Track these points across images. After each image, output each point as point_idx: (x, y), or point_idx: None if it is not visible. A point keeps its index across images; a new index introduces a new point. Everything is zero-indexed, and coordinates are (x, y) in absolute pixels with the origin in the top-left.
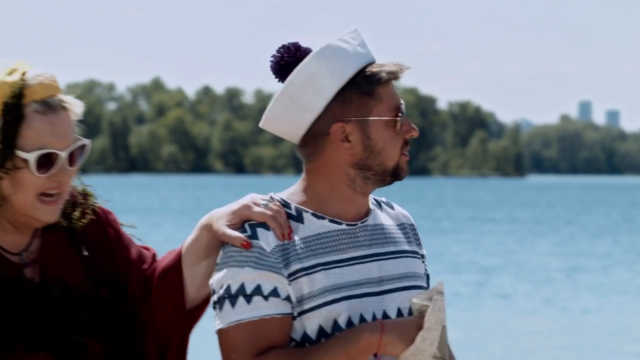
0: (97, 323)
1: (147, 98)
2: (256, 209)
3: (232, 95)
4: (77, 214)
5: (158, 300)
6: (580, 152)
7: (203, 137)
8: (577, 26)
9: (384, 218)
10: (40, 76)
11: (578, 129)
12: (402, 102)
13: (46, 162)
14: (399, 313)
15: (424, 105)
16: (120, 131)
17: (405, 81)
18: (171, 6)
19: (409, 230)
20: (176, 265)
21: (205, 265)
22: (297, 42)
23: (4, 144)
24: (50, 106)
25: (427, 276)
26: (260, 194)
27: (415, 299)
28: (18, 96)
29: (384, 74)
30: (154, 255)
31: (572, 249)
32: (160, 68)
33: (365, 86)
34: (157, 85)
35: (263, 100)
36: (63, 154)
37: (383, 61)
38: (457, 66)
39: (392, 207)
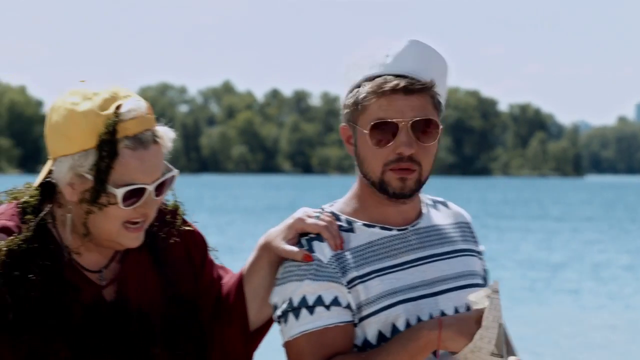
0: (171, 346)
1: (217, 101)
2: (309, 220)
3: (300, 97)
4: (162, 234)
5: (224, 322)
6: (637, 152)
7: (272, 139)
8: (635, 29)
9: (439, 218)
10: (134, 111)
11: (635, 130)
12: (384, 119)
13: (133, 195)
14: (456, 312)
15: (485, 108)
16: (192, 133)
17: (467, 84)
18: (241, 12)
19: (465, 229)
20: (239, 287)
21: (266, 285)
22: None
23: (98, 180)
24: (142, 142)
25: (486, 272)
26: (327, 200)
27: (472, 296)
28: (112, 132)
29: (367, 87)
30: (231, 276)
31: (634, 247)
32: (230, 72)
33: (360, 95)
34: (227, 88)
35: (329, 102)
36: (150, 188)
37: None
38: (518, 70)
39: (447, 207)
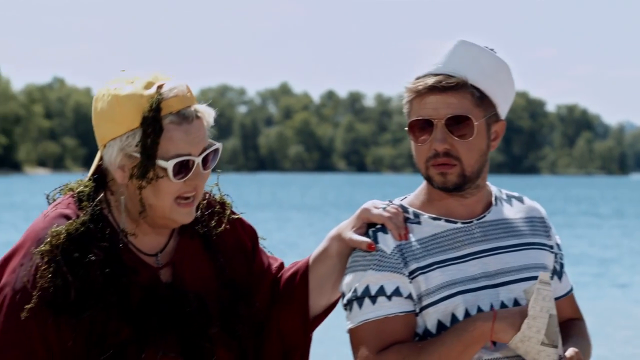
0: (227, 328)
1: (275, 102)
2: (375, 211)
3: (354, 99)
4: (213, 222)
5: (284, 307)
6: None
7: (327, 138)
8: None
9: (510, 212)
10: (175, 89)
11: None
12: (420, 117)
13: (182, 168)
14: (516, 303)
15: (533, 108)
16: (250, 133)
17: (516, 86)
18: (298, 17)
19: (537, 223)
20: (303, 274)
21: (331, 274)
22: None
23: (145, 156)
24: (185, 117)
25: (561, 265)
26: (380, 198)
27: (526, 288)
28: (156, 110)
29: (408, 87)
30: (281, 265)
31: None
32: (287, 74)
33: (404, 96)
34: (284, 89)
35: (383, 103)
36: (197, 159)
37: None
38: (566, 72)
39: (522, 202)
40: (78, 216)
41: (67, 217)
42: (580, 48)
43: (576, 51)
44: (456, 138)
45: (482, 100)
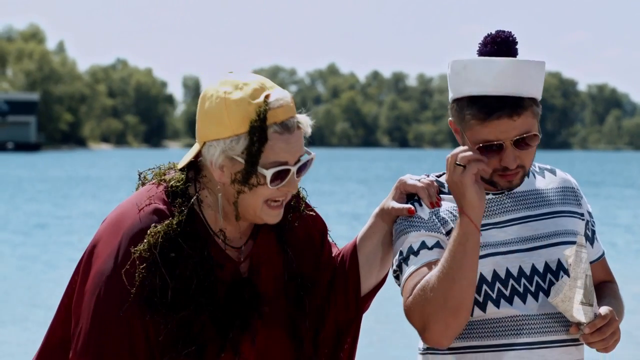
0: (282, 320)
1: (323, 82)
2: (410, 181)
3: (398, 78)
4: (289, 216)
5: (337, 288)
6: None
7: (372, 116)
8: None
9: (541, 184)
10: (281, 100)
11: None
12: (488, 142)
13: (279, 176)
14: (546, 266)
15: (565, 87)
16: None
17: (550, 66)
18: (344, 0)
19: (568, 192)
20: (352, 254)
21: (378, 251)
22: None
23: (249, 162)
24: (288, 127)
25: (593, 232)
26: (422, 172)
27: (567, 251)
28: (263, 119)
29: (473, 110)
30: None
31: None
32: (335, 55)
33: (466, 114)
34: (332, 70)
35: (424, 83)
36: (293, 169)
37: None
38: (597, 54)
39: (554, 174)
40: (171, 213)
41: (162, 214)
42: (611, 31)
43: (607, 34)
44: (523, 153)
45: (538, 107)
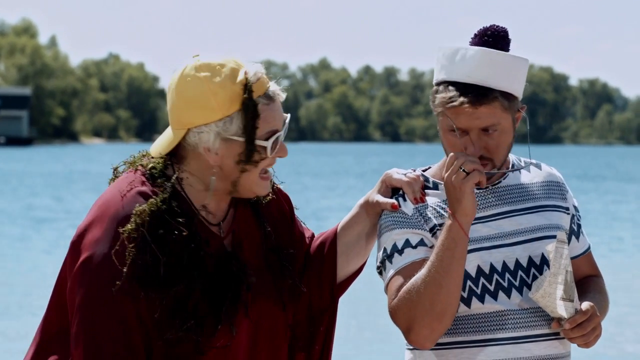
0: (270, 290)
1: (315, 76)
2: (396, 176)
3: (390, 73)
4: None
5: (313, 273)
6: None
7: (364, 110)
8: None
9: (527, 178)
10: (258, 73)
11: None
12: (453, 129)
13: (275, 144)
14: (530, 260)
15: (557, 82)
16: (291, 105)
17: (541, 61)
18: None
19: (553, 186)
20: (332, 241)
21: (358, 240)
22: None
23: (248, 140)
24: (271, 97)
25: (579, 225)
26: (413, 166)
27: (549, 246)
28: (250, 95)
29: (440, 96)
30: (312, 235)
31: None
32: (327, 50)
33: (436, 100)
34: (324, 65)
35: (416, 77)
36: (281, 132)
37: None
38: (588, 48)
39: (540, 168)
40: (155, 193)
41: (145, 195)
42: (603, 26)
43: (599, 29)
44: (489, 142)
45: (509, 102)
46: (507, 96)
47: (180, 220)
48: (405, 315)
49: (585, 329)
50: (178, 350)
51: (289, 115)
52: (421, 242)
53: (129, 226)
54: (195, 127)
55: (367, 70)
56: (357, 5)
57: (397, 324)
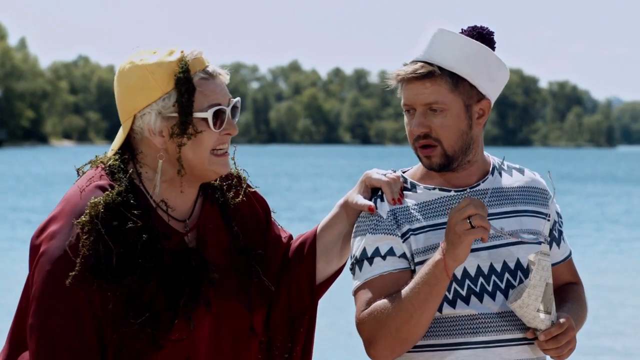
0: (234, 289)
1: (285, 78)
2: (375, 176)
3: (360, 75)
4: (231, 194)
5: (292, 275)
6: None
7: (334, 113)
8: None
9: (507, 182)
10: (195, 51)
11: None
12: (404, 104)
13: (218, 118)
14: (505, 265)
15: (527, 84)
16: (262, 107)
17: (511, 63)
18: None
19: (535, 192)
20: (312, 243)
21: (337, 241)
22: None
23: (183, 112)
24: (211, 73)
25: (560, 232)
26: (383, 168)
27: (532, 256)
28: (185, 70)
29: (394, 75)
30: (290, 237)
31: None
32: (297, 52)
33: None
34: (294, 67)
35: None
36: (227, 109)
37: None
38: (558, 51)
39: (522, 173)
40: (113, 187)
41: (103, 189)
42: (574, 28)
43: (569, 31)
44: (433, 122)
45: (457, 84)
46: (455, 77)
47: (136, 212)
48: (370, 331)
49: (559, 342)
50: (135, 345)
51: (238, 99)
52: (390, 252)
53: (83, 218)
54: (139, 111)
55: (337, 72)
56: (327, 7)
57: (360, 335)
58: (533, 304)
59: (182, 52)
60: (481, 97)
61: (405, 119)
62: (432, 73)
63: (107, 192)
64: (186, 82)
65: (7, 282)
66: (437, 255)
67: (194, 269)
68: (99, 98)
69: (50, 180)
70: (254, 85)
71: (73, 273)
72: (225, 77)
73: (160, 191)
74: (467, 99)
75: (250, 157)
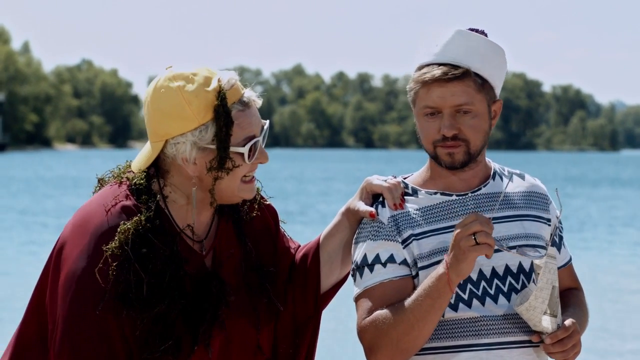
0: (245, 307)
1: (289, 82)
2: (376, 182)
3: (363, 79)
4: (245, 208)
5: (296, 285)
6: None
7: (337, 117)
8: None
9: (509, 187)
10: (232, 80)
11: None
12: (428, 107)
13: (252, 150)
14: (507, 269)
15: (530, 88)
16: (265, 111)
17: (515, 67)
18: (310, 1)
19: (536, 197)
20: (315, 252)
21: (340, 249)
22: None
23: (221, 147)
24: (246, 103)
25: (561, 237)
26: (389, 172)
27: (538, 261)
28: (224, 103)
29: (414, 76)
30: (298, 247)
31: None
32: (301, 56)
33: (410, 82)
34: (298, 71)
35: (390, 84)
36: (259, 138)
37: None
38: (561, 54)
39: (523, 179)
40: (139, 209)
41: (129, 211)
42: (576, 32)
43: (572, 35)
44: (463, 122)
45: (483, 85)
46: (481, 78)
47: (164, 238)
48: (371, 340)
49: (565, 345)
50: None
51: (267, 122)
52: (391, 259)
53: (112, 244)
54: (172, 138)
55: (341, 76)
56: (330, 11)
57: (361, 342)
58: (540, 307)
59: (219, 81)
60: (495, 98)
61: (424, 121)
62: (465, 75)
63: (135, 219)
64: (225, 115)
65: (25, 286)
66: (440, 269)
67: (214, 295)
68: (103, 102)
69: (60, 184)
70: (258, 89)
71: (103, 300)
72: (258, 103)
73: (188, 216)
74: (488, 100)
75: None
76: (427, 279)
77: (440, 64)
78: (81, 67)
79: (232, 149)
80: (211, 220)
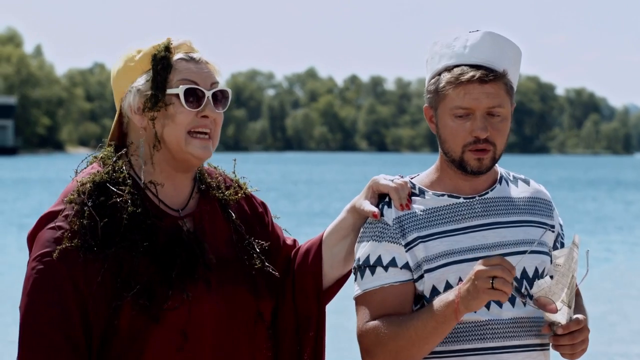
0: (240, 276)
1: (302, 85)
2: (383, 181)
3: (376, 82)
4: (230, 192)
5: (298, 280)
6: None
7: (350, 120)
8: None
9: (514, 192)
10: (183, 40)
11: None
12: (461, 107)
13: (193, 96)
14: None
15: (544, 92)
16: (278, 114)
17: (528, 70)
18: (324, 3)
19: (540, 204)
20: (318, 247)
21: (344, 246)
22: None
23: (154, 85)
24: (193, 58)
25: (562, 244)
26: (391, 174)
27: (556, 252)
28: (165, 50)
29: (447, 77)
30: (295, 242)
31: None
32: (314, 59)
33: (440, 83)
34: (310, 74)
35: (403, 87)
36: (208, 93)
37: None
38: (574, 57)
39: (528, 184)
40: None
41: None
42: (589, 35)
43: (585, 38)
44: (494, 125)
45: (511, 88)
46: (509, 80)
47: (128, 190)
48: (370, 346)
49: (575, 338)
50: (131, 320)
51: (225, 87)
52: (392, 262)
53: (70, 196)
54: (124, 95)
55: (354, 79)
56: (344, 14)
57: (359, 345)
58: (559, 294)
59: (169, 38)
60: (514, 102)
61: (453, 122)
62: (500, 77)
63: (94, 172)
64: (163, 59)
65: None
66: (450, 296)
67: (186, 244)
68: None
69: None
70: (270, 92)
71: (59, 247)
72: (212, 67)
73: (147, 172)
74: (512, 104)
75: (268, 164)
76: (436, 301)
77: (472, 66)
78: (93, 71)
79: (168, 90)
80: (189, 195)
